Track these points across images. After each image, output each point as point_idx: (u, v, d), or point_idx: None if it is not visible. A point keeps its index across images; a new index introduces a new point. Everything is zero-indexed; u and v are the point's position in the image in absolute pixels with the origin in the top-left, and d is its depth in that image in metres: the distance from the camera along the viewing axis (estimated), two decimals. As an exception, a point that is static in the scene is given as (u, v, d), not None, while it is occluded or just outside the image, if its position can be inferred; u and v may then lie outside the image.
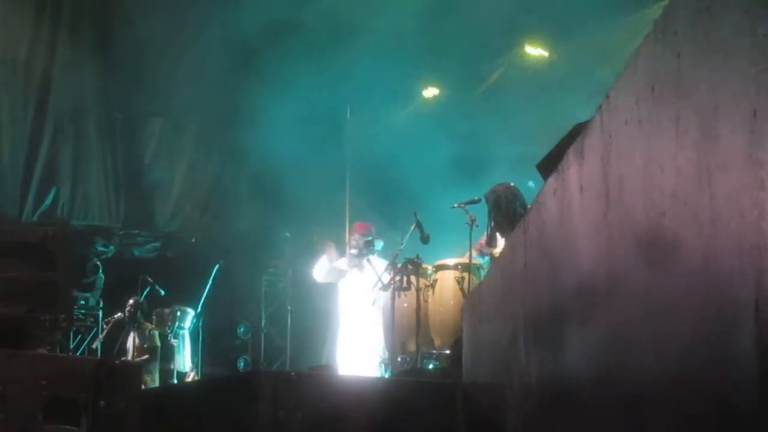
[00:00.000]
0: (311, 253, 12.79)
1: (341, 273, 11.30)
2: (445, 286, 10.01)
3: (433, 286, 10.05)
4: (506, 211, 8.95)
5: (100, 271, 15.19)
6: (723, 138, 2.38)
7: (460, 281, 9.88)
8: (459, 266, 9.98)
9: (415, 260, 9.84)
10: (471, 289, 9.28)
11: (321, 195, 16.46)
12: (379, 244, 11.13)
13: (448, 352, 9.62)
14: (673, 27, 2.76)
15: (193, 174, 16.40)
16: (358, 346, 10.86)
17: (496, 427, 5.35)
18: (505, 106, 15.10)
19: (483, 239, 9.78)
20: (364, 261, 10.86)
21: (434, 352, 9.97)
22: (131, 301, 12.75)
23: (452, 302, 9.87)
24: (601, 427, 3.50)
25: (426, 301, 9.95)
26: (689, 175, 2.59)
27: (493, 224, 9.22)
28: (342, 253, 11.64)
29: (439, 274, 10.11)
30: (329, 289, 12.00)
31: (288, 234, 16.51)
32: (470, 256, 9.70)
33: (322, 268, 11.41)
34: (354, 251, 11.20)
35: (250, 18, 15.29)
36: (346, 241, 11.44)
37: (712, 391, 2.48)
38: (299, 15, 15.51)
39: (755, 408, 2.21)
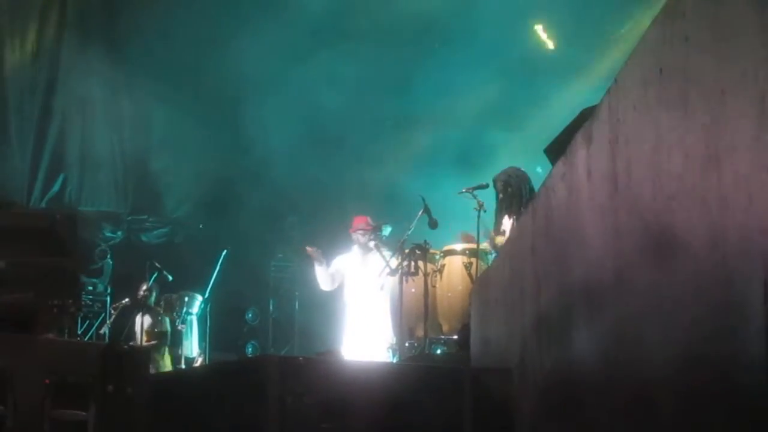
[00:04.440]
0: (320, 238, 12.78)
1: (344, 271, 11.22)
2: (453, 271, 9.99)
3: (440, 271, 10.04)
4: (517, 191, 8.94)
5: (108, 257, 15.23)
6: (731, 121, 2.36)
7: (467, 266, 9.86)
8: (467, 251, 9.96)
9: (423, 245, 9.82)
10: (479, 275, 9.27)
11: (328, 181, 16.48)
12: (387, 230, 11.10)
13: (455, 337, 9.61)
14: (681, 9, 2.75)
15: (200, 160, 16.40)
16: (366, 332, 10.86)
17: (504, 413, 5.35)
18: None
19: (493, 233, 9.76)
20: (372, 246, 10.83)
21: (442, 337, 9.96)
22: (144, 287, 12.76)
23: (460, 287, 9.86)
24: (611, 413, 3.50)
25: (434, 286, 9.93)
26: (697, 159, 2.58)
27: (500, 208, 9.21)
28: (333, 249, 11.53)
29: (447, 260, 10.09)
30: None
31: (292, 218, 16.53)
32: (478, 241, 9.67)
33: (322, 278, 11.32)
34: (358, 246, 11.16)
35: (253, 11, 15.35)
36: (350, 230, 11.32)
37: (721, 373, 2.47)
38: (304, 7, 15.55)
39: (765, 394, 2.20)
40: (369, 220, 11.21)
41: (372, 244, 10.81)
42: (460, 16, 15.41)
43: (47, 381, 4.47)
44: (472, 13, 15.11)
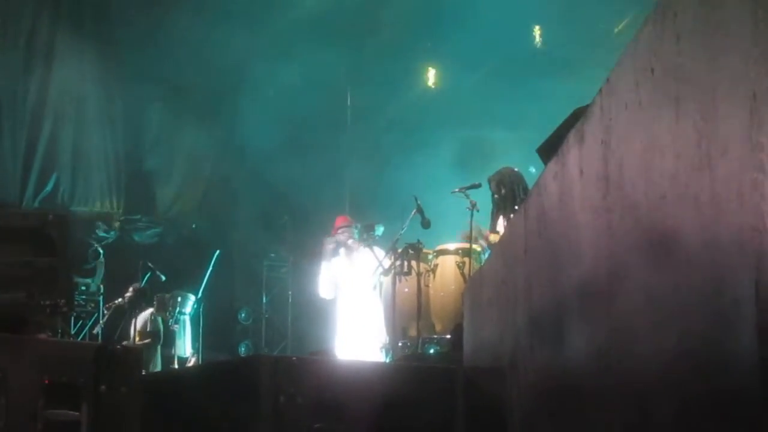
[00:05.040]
0: (312, 239, 12.78)
1: (337, 275, 11.11)
2: (446, 270, 10.01)
3: (433, 271, 10.06)
4: (510, 192, 8.94)
5: (101, 256, 15.21)
6: (723, 120, 2.36)
7: (460, 266, 9.88)
8: (460, 251, 9.97)
9: (416, 245, 9.82)
10: (472, 274, 9.28)
11: (321, 180, 16.48)
12: (379, 230, 11.09)
13: (449, 337, 9.62)
14: (673, 9, 2.75)
15: (193, 160, 16.40)
16: (360, 332, 10.85)
17: (497, 412, 5.35)
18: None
19: (488, 233, 9.75)
20: (361, 248, 10.78)
21: (435, 337, 9.98)
22: (133, 287, 12.76)
23: (453, 287, 9.88)
24: (604, 412, 3.50)
25: (427, 286, 9.95)
26: (689, 158, 2.58)
27: (496, 208, 9.22)
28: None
29: (440, 259, 10.10)
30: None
31: (286, 218, 16.53)
32: (470, 241, 9.68)
33: (325, 285, 11.10)
34: (338, 245, 11.09)
35: (246, 11, 15.33)
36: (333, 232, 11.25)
37: (713, 374, 2.47)
38: (299, 7, 15.56)
39: (756, 392, 2.20)
40: (348, 218, 11.22)
41: (351, 241, 10.77)
42: (455, 14, 15.42)
43: (39, 381, 4.46)
44: (467, 11, 15.12)
